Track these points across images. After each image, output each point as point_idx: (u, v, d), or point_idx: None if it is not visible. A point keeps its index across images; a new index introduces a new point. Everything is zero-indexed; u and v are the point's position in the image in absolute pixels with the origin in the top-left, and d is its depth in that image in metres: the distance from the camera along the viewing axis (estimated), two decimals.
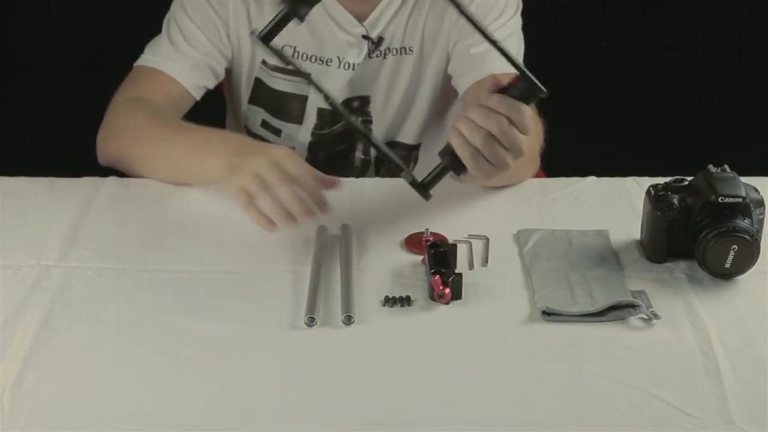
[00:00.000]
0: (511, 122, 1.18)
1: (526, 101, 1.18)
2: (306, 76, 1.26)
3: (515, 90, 1.18)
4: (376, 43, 1.56)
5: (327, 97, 1.20)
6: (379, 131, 1.65)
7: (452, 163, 1.21)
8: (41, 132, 2.33)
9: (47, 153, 2.05)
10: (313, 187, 1.21)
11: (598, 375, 1.04)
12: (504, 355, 1.07)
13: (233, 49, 1.56)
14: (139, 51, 1.52)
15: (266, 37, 1.16)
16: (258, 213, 1.21)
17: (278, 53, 1.18)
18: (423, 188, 1.21)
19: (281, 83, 1.59)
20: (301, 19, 1.16)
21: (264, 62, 1.57)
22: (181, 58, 1.50)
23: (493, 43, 1.17)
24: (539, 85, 1.17)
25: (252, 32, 1.16)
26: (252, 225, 1.29)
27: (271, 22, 1.16)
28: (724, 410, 0.99)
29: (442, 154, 1.23)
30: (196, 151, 1.33)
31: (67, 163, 1.47)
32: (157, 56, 1.51)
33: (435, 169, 1.23)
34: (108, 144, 1.45)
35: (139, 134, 1.41)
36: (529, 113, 1.19)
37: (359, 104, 1.61)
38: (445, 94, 1.64)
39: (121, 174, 1.42)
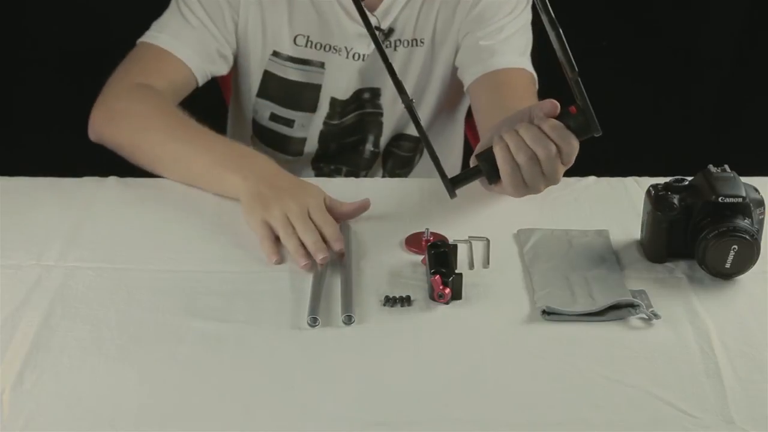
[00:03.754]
0: (559, 151, 1.18)
1: (579, 135, 1.18)
2: (386, 62, 1.20)
3: (571, 120, 1.18)
4: (386, 34, 1.55)
5: (393, 73, 1.18)
6: (389, 123, 1.65)
7: (489, 171, 1.21)
8: (41, 132, 2.33)
9: (47, 153, 2.06)
10: (332, 233, 1.24)
11: (598, 375, 1.04)
12: (504, 355, 1.07)
13: (239, 40, 1.55)
14: None
15: None
16: (273, 249, 1.23)
17: (366, 16, 1.16)
18: (451, 185, 1.21)
19: (294, 73, 1.58)
20: None
21: (275, 53, 1.56)
22: (189, 38, 1.48)
23: (572, 71, 1.15)
24: (596, 123, 1.16)
25: None
26: None
27: None
28: (724, 410, 0.99)
29: (480, 158, 1.22)
30: (220, 164, 1.33)
31: (67, 163, 1.47)
32: (163, 34, 1.49)
33: (468, 170, 1.22)
34: (108, 127, 1.43)
35: (148, 125, 1.40)
36: (577, 147, 1.19)
37: (370, 96, 1.61)
38: (455, 87, 1.64)
39: (121, 174, 1.42)
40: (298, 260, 1.21)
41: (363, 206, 1.31)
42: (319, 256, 1.20)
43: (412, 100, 1.18)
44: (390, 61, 1.46)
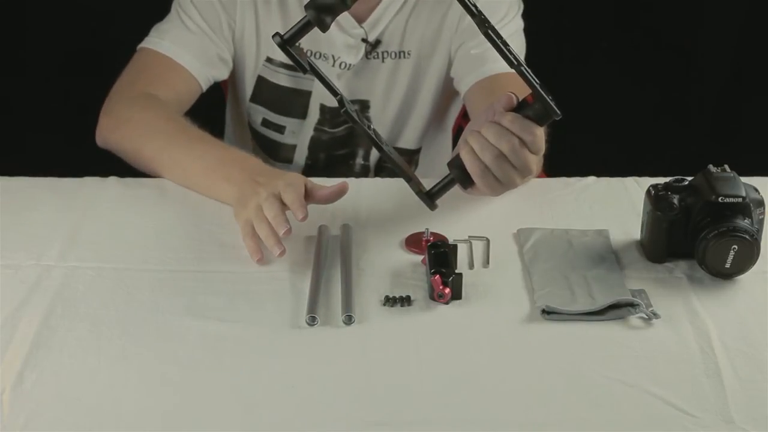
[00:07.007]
0: (523, 143, 1.18)
1: (539, 122, 1.18)
2: (334, 90, 1.22)
3: (529, 110, 1.18)
4: (373, 45, 1.56)
5: (342, 104, 1.19)
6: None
7: (461, 177, 1.22)
8: (41, 132, 2.33)
9: (47, 153, 2.06)
10: (291, 200, 1.22)
11: (598, 374, 1.04)
12: (504, 355, 1.07)
13: (236, 46, 1.56)
14: None
15: (288, 41, 1.16)
16: (255, 247, 1.21)
17: (297, 60, 1.17)
18: (429, 198, 1.22)
19: (285, 79, 1.59)
20: (325, 28, 1.16)
21: (269, 59, 1.57)
22: (190, 44, 1.50)
23: (511, 62, 1.16)
24: (554, 107, 1.17)
25: (274, 35, 1.16)
26: None
27: (294, 27, 1.16)
28: (723, 410, 0.99)
29: (451, 166, 1.23)
30: (212, 170, 1.34)
31: (68, 163, 1.47)
32: (165, 41, 1.50)
33: (442, 180, 1.24)
34: (113, 134, 1.44)
35: (150, 132, 1.41)
36: (541, 135, 1.19)
37: (359, 108, 1.61)
38: (446, 98, 1.64)
39: (121, 174, 1.42)
40: (270, 249, 1.20)
41: (341, 190, 1.28)
42: (281, 230, 1.19)
43: (382, 141, 1.20)
44: (377, 73, 1.47)
